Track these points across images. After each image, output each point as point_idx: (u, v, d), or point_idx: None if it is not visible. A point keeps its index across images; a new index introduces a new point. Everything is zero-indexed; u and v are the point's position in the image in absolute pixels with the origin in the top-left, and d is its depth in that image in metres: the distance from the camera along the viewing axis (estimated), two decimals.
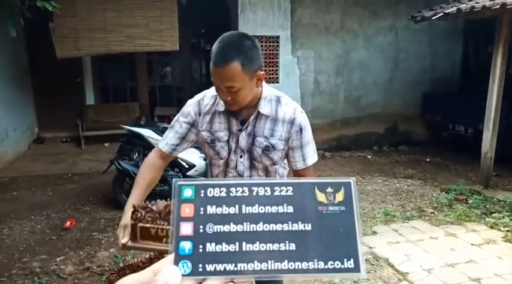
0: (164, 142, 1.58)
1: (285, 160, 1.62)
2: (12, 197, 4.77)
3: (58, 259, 3.31)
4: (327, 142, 6.90)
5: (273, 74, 6.51)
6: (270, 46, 6.41)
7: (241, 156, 1.54)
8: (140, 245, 1.49)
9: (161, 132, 4.39)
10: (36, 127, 7.37)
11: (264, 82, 1.48)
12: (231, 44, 1.31)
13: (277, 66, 6.48)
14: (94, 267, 3.17)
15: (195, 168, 4.40)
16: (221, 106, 1.50)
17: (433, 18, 4.72)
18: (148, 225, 1.44)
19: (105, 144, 7.07)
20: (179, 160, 4.36)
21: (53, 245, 3.57)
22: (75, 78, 7.36)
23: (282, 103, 1.50)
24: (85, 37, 5.35)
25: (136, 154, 4.54)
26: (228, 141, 1.53)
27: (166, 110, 7.83)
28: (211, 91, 1.55)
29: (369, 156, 6.67)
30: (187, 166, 4.39)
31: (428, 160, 6.37)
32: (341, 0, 6.51)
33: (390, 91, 7.06)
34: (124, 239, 1.33)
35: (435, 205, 4.41)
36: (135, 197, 1.48)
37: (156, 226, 1.43)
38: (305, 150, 1.52)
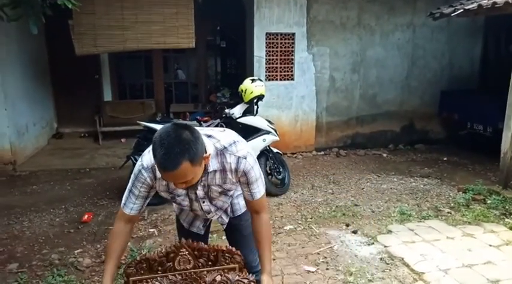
0: (128, 208, 1.63)
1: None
2: (32, 190, 4.89)
3: (76, 251, 3.38)
4: (342, 140, 6.86)
5: (288, 71, 6.49)
6: (285, 43, 6.39)
7: (203, 202, 1.75)
8: None
9: None
10: (55, 122, 7.53)
11: (207, 139, 1.55)
12: (172, 146, 1.31)
13: (292, 63, 6.46)
14: None
15: None
16: None
17: (452, 14, 4.63)
18: (142, 277, 1.52)
19: (122, 140, 7.18)
20: None
21: (71, 238, 3.66)
22: (93, 74, 7.49)
23: (226, 155, 1.60)
24: (103, 34, 5.43)
25: None
26: (187, 194, 1.70)
27: (182, 107, 7.90)
28: None
29: (385, 155, 6.60)
30: None
31: (445, 159, 6.26)
32: None
33: (407, 88, 6.96)
34: None
35: (452, 204, 4.34)
36: (111, 271, 1.59)
37: (151, 275, 1.52)
38: (252, 186, 1.67)
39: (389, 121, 6.98)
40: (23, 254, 3.33)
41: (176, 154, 1.31)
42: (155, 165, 1.46)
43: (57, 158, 6.17)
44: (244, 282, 1.53)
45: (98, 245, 3.50)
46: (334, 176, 5.42)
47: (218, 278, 1.53)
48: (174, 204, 1.90)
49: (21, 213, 4.16)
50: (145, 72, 8.33)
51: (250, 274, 1.57)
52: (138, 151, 4.52)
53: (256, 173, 1.66)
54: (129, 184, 1.62)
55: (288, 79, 6.50)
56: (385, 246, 3.33)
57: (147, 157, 1.57)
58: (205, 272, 1.53)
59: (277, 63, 6.42)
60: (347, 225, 3.81)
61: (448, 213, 4.09)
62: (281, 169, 4.77)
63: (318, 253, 3.27)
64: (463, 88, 6.94)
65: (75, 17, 5.29)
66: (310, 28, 6.36)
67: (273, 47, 6.34)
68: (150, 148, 1.44)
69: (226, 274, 1.53)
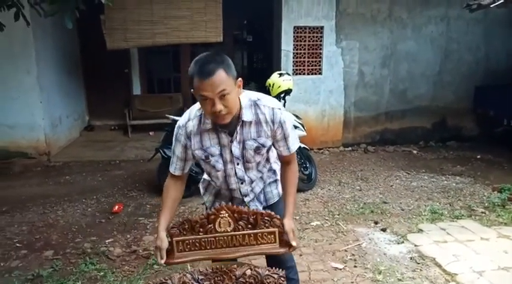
0: (172, 167, 1.76)
1: (277, 158, 1.86)
2: (65, 181, 5.07)
3: (107, 241, 3.48)
4: (370, 135, 6.72)
5: (315, 65, 6.40)
6: (313, 37, 6.30)
7: (237, 164, 1.71)
8: (180, 260, 1.59)
9: None
10: (86, 115, 7.76)
11: (246, 91, 1.67)
12: (208, 60, 1.46)
13: (320, 57, 6.36)
14: (140, 250, 3.30)
15: None
16: (208, 125, 1.62)
17: (491, 5, 4.42)
18: (184, 238, 1.60)
19: (150, 133, 7.32)
20: None
21: (102, 227, 3.76)
22: (123, 68, 7.65)
23: (260, 106, 1.63)
24: (133, 29, 5.52)
25: None
26: (221, 154, 1.68)
27: None
28: (195, 111, 1.66)
29: (415, 151, 6.42)
30: None
31: (478, 157, 6.03)
32: None
33: (439, 83, 6.73)
34: (162, 260, 1.58)
35: (486, 204, 4.17)
36: (165, 220, 1.68)
37: (193, 236, 1.59)
38: (288, 139, 1.71)
39: (420, 117, 6.78)
40: (57, 242, 3.46)
41: (212, 62, 1.44)
42: (188, 123, 1.65)
43: (88, 150, 6.36)
44: (274, 277, 1.53)
45: (128, 236, 3.58)
46: (362, 172, 5.33)
47: (248, 272, 1.53)
48: (206, 176, 1.90)
49: (56, 202, 4.32)
50: (173, 66, 8.42)
51: (281, 270, 1.56)
52: (167, 144, 4.60)
53: (290, 125, 1.70)
54: (172, 146, 1.74)
55: (315, 74, 6.42)
56: (415, 245, 3.24)
57: (183, 117, 1.69)
58: (235, 266, 1.54)
59: (304, 57, 6.35)
60: (376, 223, 3.74)
61: (482, 212, 3.94)
62: (308, 165, 4.73)
63: (346, 250, 3.22)
64: (499, 83, 6.64)
65: (106, 12, 5.40)
66: (339, 21, 6.24)
67: (300, 41, 6.27)
68: (187, 111, 1.69)
69: (256, 269, 1.53)
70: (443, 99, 6.78)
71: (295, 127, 4.55)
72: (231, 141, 1.65)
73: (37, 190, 4.70)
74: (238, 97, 1.58)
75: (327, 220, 3.84)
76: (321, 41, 6.31)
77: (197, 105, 1.65)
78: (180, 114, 5.66)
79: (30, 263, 3.09)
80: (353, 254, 3.16)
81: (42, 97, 5.67)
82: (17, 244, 3.41)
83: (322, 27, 6.23)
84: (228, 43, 8.08)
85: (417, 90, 6.70)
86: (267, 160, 1.83)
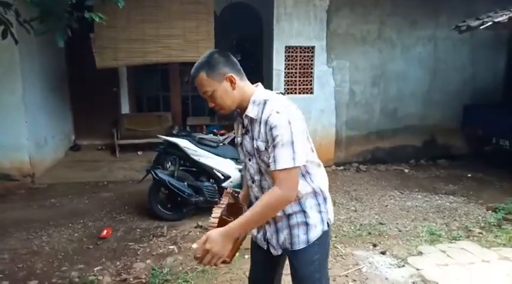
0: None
1: (312, 195, 1.65)
2: (50, 204, 4.86)
3: (95, 269, 3.30)
4: (362, 154, 6.71)
5: (307, 85, 6.41)
6: (304, 56, 6.33)
7: (249, 159, 1.64)
8: None
9: (197, 142, 4.37)
10: (73, 134, 7.56)
11: (259, 87, 1.62)
12: (197, 62, 1.56)
13: (311, 76, 6.38)
14: (131, 279, 3.14)
15: (230, 179, 4.35)
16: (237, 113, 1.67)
17: (481, 27, 4.51)
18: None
19: (138, 152, 7.16)
20: (215, 171, 4.32)
21: (90, 254, 3.58)
22: (111, 87, 7.52)
23: (265, 106, 1.54)
24: (123, 47, 5.45)
25: (172, 163, 4.54)
26: (240, 144, 1.68)
27: (199, 120, 7.85)
28: None
29: (406, 170, 6.42)
30: (222, 177, 4.34)
31: (469, 175, 6.05)
32: (379, 10, 6.37)
33: (429, 102, 6.81)
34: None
35: (482, 224, 4.15)
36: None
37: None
38: (275, 151, 1.45)
39: (410, 136, 6.82)
40: (42, 271, 3.26)
41: (197, 66, 1.55)
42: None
43: (75, 171, 6.16)
44: None
45: (118, 263, 3.41)
46: (356, 192, 5.27)
47: None
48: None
49: (40, 227, 4.11)
50: (162, 85, 8.34)
51: None
52: (158, 164, 4.48)
53: (286, 136, 1.43)
54: None
55: (307, 93, 6.42)
56: (417, 269, 3.17)
57: None
58: None
59: (296, 77, 6.36)
60: (374, 245, 3.65)
61: (480, 233, 3.90)
62: None
63: (347, 275, 3.12)
64: (486, 102, 6.76)
65: (96, 30, 5.33)
66: (330, 41, 6.30)
67: (292, 60, 6.29)
68: None
69: None
70: (432, 118, 6.85)
71: None
72: (244, 133, 1.63)
73: (20, 214, 4.48)
74: (250, 92, 1.59)
75: None
76: (312, 60, 6.34)
77: None
78: (169, 133, 5.57)
79: None
80: (354, 280, 3.06)
81: (27, 117, 5.49)
82: None
83: (313, 47, 6.27)
84: None
85: (407, 109, 6.76)
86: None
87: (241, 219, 1.47)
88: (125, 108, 7.71)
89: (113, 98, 7.60)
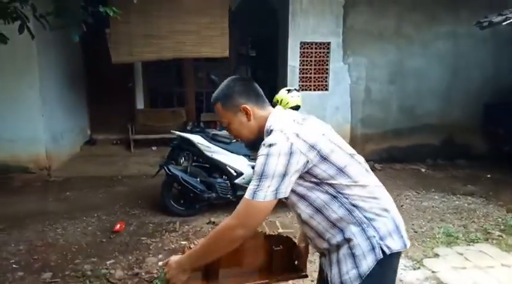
0: None
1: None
2: (65, 197, 4.93)
3: (108, 262, 3.32)
4: (377, 153, 6.60)
5: (322, 81, 6.33)
6: (320, 53, 6.25)
7: None
8: None
9: (211, 138, 4.35)
10: (88, 129, 7.65)
11: (273, 113, 1.48)
12: (217, 89, 1.53)
13: (326, 73, 6.30)
14: (143, 273, 3.14)
15: (242, 176, 4.32)
16: None
17: (503, 23, 4.35)
18: None
19: (153, 148, 7.20)
20: (228, 167, 4.30)
21: (103, 248, 3.61)
22: (126, 83, 7.58)
23: (269, 136, 1.40)
24: (139, 43, 5.47)
25: (185, 159, 4.54)
26: None
27: (213, 116, 7.81)
28: None
29: (423, 170, 6.29)
30: (235, 174, 4.32)
31: (489, 176, 5.89)
32: (397, 5, 6.23)
33: (448, 100, 6.64)
34: None
35: (502, 227, 4.02)
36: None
37: None
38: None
39: (427, 135, 6.67)
40: (56, 263, 3.30)
41: (214, 96, 1.53)
42: None
43: (90, 165, 6.23)
44: None
45: (130, 257, 3.42)
46: None
47: None
48: None
49: (55, 220, 4.17)
50: (177, 81, 8.36)
51: None
52: (172, 160, 4.49)
53: (260, 166, 1.30)
54: None
55: (321, 90, 6.35)
56: (432, 271, 3.08)
57: None
58: None
59: (311, 73, 6.28)
60: None
61: (499, 236, 3.78)
62: None
63: None
64: (507, 101, 6.55)
65: (112, 25, 5.36)
66: (347, 37, 6.20)
67: (307, 57, 6.22)
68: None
69: None
70: (451, 116, 6.68)
71: None
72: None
73: (36, 207, 4.55)
74: (258, 120, 1.49)
75: None
76: (327, 56, 6.26)
77: None
78: (183, 128, 5.59)
79: None
80: None
81: (44, 111, 5.57)
82: (14, 265, 3.25)
83: (329, 43, 6.19)
84: (231, 58, 8.03)
85: (425, 107, 6.61)
86: (320, 212, 1.41)
87: (190, 250, 1.43)
88: (140, 104, 7.76)
89: (128, 93, 7.66)
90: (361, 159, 1.49)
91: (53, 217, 4.25)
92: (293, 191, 1.39)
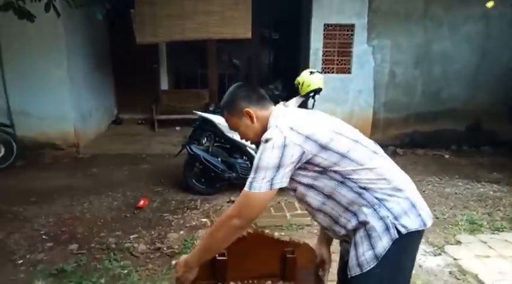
0: None
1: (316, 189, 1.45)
2: (92, 173, 5.11)
3: (131, 236, 3.45)
4: (400, 137, 6.50)
5: (345, 64, 6.24)
6: (343, 35, 6.14)
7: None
8: None
9: None
10: (115, 108, 7.84)
11: (273, 112, 1.52)
12: (224, 98, 1.59)
13: (350, 55, 6.19)
14: (164, 248, 3.26)
15: None
16: None
17: None
18: None
19: (176, 128, 7.33)
20: (248, 148, 4.34)
21: (127, 222, 3.75)
22: (151, 64, 7.69)
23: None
24: (163, 24, 5.51)
25: (207, 139, 4.61)
26: None
27: None
28: None
29: (446, 156, 6.16)
30: (255, 155, 4.35)
31: None
32: None
33: (475, 85, 6.42)
34: None
35: None
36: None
37: None
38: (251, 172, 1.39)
39: (452, 120, 6.50)
40: (83, 236, 3.46)
41: (222, 102, 1.60)
42: None
43: (116, 143, 6.42)
44: None
45: (153, 232, 3.55)
46: None
47: None
48: None
49: (83, 195, 4.35)
50: (200, 62, 8.40)
51: None
52: (194, 140, 4.56)
53: (256, 160, 1.36)
54: None
55: (345, 73, 6.26)
56: (454, 258, 3.05)
57: None
58: None
59: (334, 56, 6.19)
60: None
61: None
62: None
63: None
64: None
65: (137, 6, 5.41)
66: (372, 19, 6.05)
67: (330, 39, 6.12)
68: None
69: None
70: (478, 101, 6.47)
71: None
72: None
73: (65, 182, 4.75)
74: (261, 122, 1.53)
75: None
76: (351, 39, 6.13)
77: None
78: (206, 109, 5.65)
79: (55, 257, 3.09)
80: None
81: (72, 89, 5.74)
82: (43, 236, 3.43)
83: (353, 25, 6.06)
84: (254, 40, 7.98)
85: (451, 92, 6.43)
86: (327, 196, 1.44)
87: (196, 246, 1.54)
88: (164, 85, 7.88)
89: (153, 74, 7.77)
90: (369, 142, 1.49)
91: (80, 192, 4.43)
92: (300, 183, 1.44)
